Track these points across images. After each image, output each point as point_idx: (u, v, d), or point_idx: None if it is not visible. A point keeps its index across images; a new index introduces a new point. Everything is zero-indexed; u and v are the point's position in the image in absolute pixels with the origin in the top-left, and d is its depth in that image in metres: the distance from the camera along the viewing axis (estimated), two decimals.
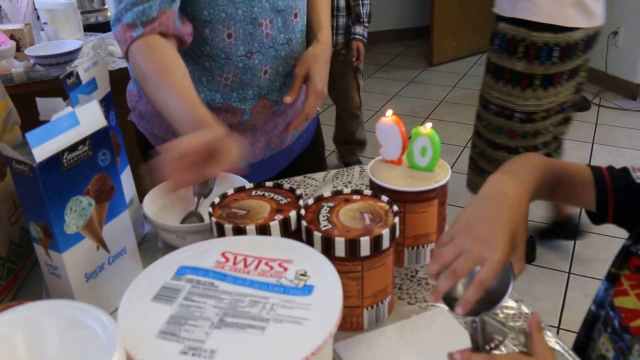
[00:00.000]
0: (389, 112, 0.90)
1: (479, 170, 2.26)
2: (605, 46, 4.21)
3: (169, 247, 0.93)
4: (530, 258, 2.54)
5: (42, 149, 0.71)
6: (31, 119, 0.92)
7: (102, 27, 2.06)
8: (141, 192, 1.03)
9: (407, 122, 3.16)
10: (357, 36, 2.77)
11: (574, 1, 1.91)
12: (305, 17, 1.27)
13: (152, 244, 1.03)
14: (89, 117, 0.78)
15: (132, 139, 1.29)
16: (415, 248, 0.92)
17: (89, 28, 2.02)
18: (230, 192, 0.89)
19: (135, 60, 1.03)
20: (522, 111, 2.05)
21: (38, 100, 0.90)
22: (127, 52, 1.04)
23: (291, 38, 1.22)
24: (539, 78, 1.98)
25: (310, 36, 1.29)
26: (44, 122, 0.73)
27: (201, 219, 0.97)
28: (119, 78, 1.49)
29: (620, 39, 4.13)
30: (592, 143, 3.53)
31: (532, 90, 2.01)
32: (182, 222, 0.97)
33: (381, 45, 5.28)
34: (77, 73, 0.88)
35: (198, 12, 1.10)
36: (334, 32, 2.71)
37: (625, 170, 0.87)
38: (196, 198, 1.00)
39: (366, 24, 2.77)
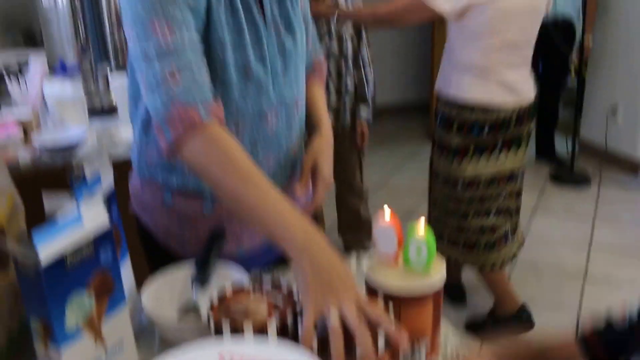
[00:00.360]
0: (387, 210, 0.91)
1: (437, 235, 2.31)
2: (605, 122, 4.29)
3: (166, 341, 0.93)
4: None
5: (47, 250, 0.73)
6: (35, 205, 0.95)
7: (107, 112, 2.11)
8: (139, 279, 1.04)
9: (407, 196, 3.18)
10: (363, 118, 2.82)
11: (499, 82, 2.16)
12: (304, 108, 1.32)
13: (149, 334, 1.03)
14: (94, 218, 0.80)
15: (132, 227, 1.30)
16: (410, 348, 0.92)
17: (93, 112, 2.07)
18: (228, 290, 0.90)
19: (205, 149, 1.00)
20: (464, 180, 2.25)
21: (44, 194, 0.93)
22: (188, 134, 1.00)
23: (292, 129, 1.26)
24: (474, 149, 2.21)
25: (310, 126, 1.34)
26: (49, 215, 0.76)
27: (198, 309, 0.97)
28: (121, 163, 1.53)
29: (619, 115, 4.22)
30: (594, 220, 3.54)
31: (470, 161, 2.22)
32: (180, 311, 0.98)
33: (381, 119, 5.38)
34: (82, 169, 0.91)
35: None
36: (342, 113, 2.76)
37: (610, 324, 0.84)
38: (194, 286, 1.01)
39: (370, 106, 2.83)
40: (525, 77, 2.24)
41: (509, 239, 2.39)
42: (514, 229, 2.44)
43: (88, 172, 0.95)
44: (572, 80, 4.53)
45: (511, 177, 2.28)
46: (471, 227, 2.32)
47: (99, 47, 2.16)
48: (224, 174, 0.98)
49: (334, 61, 2.65)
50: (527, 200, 3.77)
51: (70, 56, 2.20)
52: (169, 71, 1.00)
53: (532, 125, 2.32)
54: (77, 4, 2.11)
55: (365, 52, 2.78)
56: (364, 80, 2.79)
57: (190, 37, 1.03)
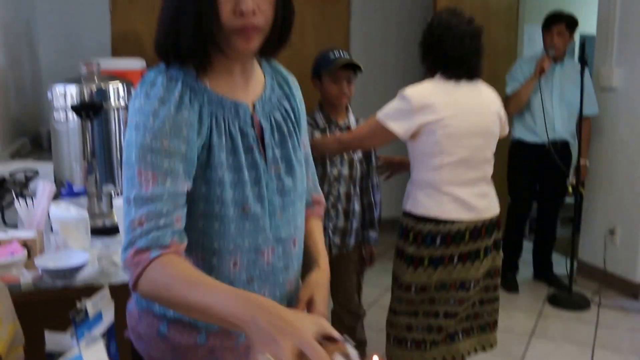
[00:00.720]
0: (375, 358, 0.92)
1: (397, 341, 2.48)
2: (603, 244, 4.30)
3: None
4: None
5: None
6: (35, 328, 0.95)
7: (109, 232, 2.14)
8: None
9: None
10: (372, 241, 2.86)
11: (452, 198, 2.31)
12: (302, 245, 1.35)
13: None
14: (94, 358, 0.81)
15: (127, 353, 1.30)
16: None
17: (96, 231, 2.10)
18: None
19: (155, 276, 1.06)
20: (417, 285, 2.37)
21: (46, 333, 0.94)
22: (140, 275, 1.07)
23: (289, 265, 1.29)
24: (427, 259, 2.34)
25: (308, 260, 1.37)
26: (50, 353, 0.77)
27: None
28: (119, 287, 1.55)
29: (617, 237, 4.24)
30: (593, 347, 3.47)
31: (424, 270, 2.35)
32: None
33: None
34: (85, 309, 0.93)
35: (209, 243, 1.18)
36: (348, 234, 2.77)
37: None
38: None
39: (377, 228, 2.87)
40: (481, 193, 2.38)
41: (456, 339, 2.47)
42: (467, 329, 2.50)
43: (90, 309, 0.97)
44: (569, 200, 4.63)
45: (462, 286, 2.38)
46: (420, 325, 2.41)
47: (105, 167, 2.21)
48: (175, 290, 1.04)
49: (344, 184, 2.71)
50: (524, 323, 3.74)
51: (77, 173, 2.25)
52: (138, 218, 1.08)
53: (490, 241, 2.42)
54: (88, 122, 2.18)
55: (374, 177, 2.85)
56: (373, 204, 2.84)
57: (171, 188, 1.11)
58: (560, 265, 4.44)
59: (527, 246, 4.52)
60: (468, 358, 2.54)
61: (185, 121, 1.13)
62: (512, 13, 5.18)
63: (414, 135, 2.30)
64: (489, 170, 2.43)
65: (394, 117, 2.30)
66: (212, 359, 1.25)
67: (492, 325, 2.55)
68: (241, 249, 1.20)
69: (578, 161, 4.08)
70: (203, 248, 1.19)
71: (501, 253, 2.53)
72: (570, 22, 4.08)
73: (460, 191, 2.32)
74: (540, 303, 4.08)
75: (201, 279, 1.05)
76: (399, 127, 2.29)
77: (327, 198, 2.62)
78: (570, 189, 4.32)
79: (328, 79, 2.61)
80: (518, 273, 4.39)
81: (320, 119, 2.68)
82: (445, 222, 2.31)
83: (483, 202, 2.38)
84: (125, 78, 2.38)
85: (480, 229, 2.36)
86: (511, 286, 4.26)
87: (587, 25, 4.79)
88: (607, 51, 4.27)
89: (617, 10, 4.17)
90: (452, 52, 2.30)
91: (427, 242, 2.33)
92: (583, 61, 3.87)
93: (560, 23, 4.06)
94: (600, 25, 4.35)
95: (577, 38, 5.30)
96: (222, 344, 1.24)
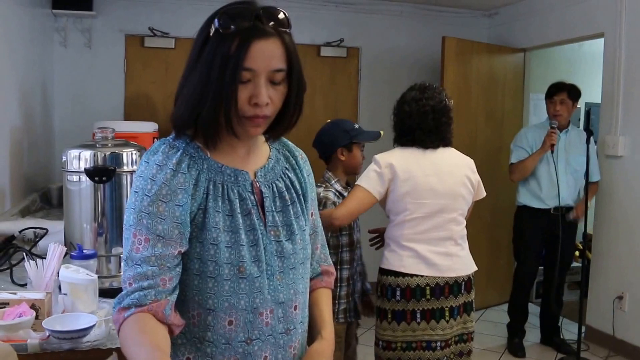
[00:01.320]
0: None
1: None
2: (612, 310, 4.28)
3: None
4: None
5: None
6: None
7: (116, 292, 2.15)
8: None
9: None
10: (368, 290, 2.87)
11: (412, 254, 2.48)
12: (306, 310, 1.37)
13: None
14: None
15: None
16: None
17: (103, 293, 2.11)
18: None
19: (123, 333, 1.15)
20: (382, 339, 2.53)
21: None
22: (119, 331, 1.16)
23: (290, 328, 1.31)
24: (390, 312, 2.51)
25: (313, 330, 1.39)
26: None
27: None
28: None
29: (626, 304, 4.21)
30: None
31: (388, 323, 2.51)
32: None
33: None
34: None
35: (203, 301, 1.22)
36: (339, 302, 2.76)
37: None
38: None
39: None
40: (446, 252, 2.51)
41: None
42: None
43: None
44: (577, 265, 4.61)
45: (428, 346, 2.48)
46: None
47: (115, 229, 2.25)
48: (126, 346, 1.13)
49: (359, 248, 2.79)
50: None
51: (87, 233, 2.28)
52: (128, 279, 1.18)
53: (457, 302, 2.52)
54: (100, 185, 2.22)
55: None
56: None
57: (162, 251, 1.18)
58: (568, 330, 4.39)
59: (536, 310, 4.49)
60: None
61: (181, 185, 1.20)
62: (518, 82, 5.31)
63: (386, 195, 2.51)
64: (458, 230, 2.55)
65: (369, 180, 2.51)
66: None
67: None
68: (236, 308, 1.23)
69: (585, 228, 4.08)
70: (199, 305, 1.23)
71: (473, 316, 2.60)
72: (573, 92, 4.17)
73: (421, 247, 2.48)
74: None
75: (148, 341, 1.11)
76: (374, 189, 2.49)
77: (350, 264, 2.68)
78: (577, 254, 4.31)
79: (358, 148, 2.74)
80: (525, 337, 4.35)
81: (339, 186, 2.72)
82: (404, 275, 2.47)
83: (446, 261, 2.51)
84: (137, 140, 2.44)
85: (442, 288, 2.48)
86: (518, 351, 4.23)
87: (593, 94, 4.87)
88: (611, 120, 4.34)
89: (622, 80, 4.27)
90: (417, 124, 2.52)
91: (389, 295, 2.51)
92: (588, 129, 3.94)
93: (562, 92, 4.16)
94: (605, 95, 4.44)
95: (583, 106, 5.41)
96: None
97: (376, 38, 5.38)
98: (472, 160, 2.65)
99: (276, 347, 1.28)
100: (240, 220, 1.24)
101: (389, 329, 2.50)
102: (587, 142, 3.92)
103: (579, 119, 5.58)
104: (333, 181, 2.72)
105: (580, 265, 4.27)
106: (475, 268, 2.62)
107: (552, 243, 4.23)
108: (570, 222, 4.18)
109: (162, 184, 1.18)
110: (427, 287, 2.46)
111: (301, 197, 1.37)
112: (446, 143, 2.58)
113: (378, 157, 2.55)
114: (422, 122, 2.51)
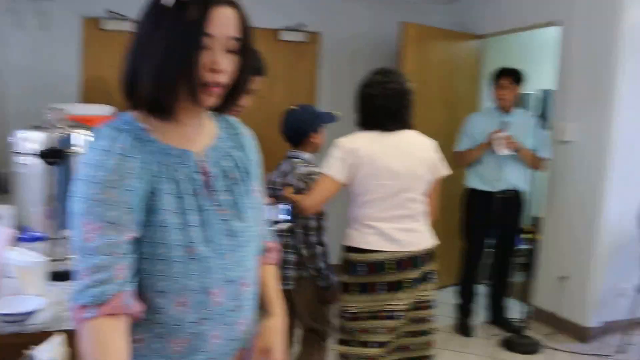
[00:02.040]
0: None
1: None
2: (556, 290, 4.45)
3: None
4: None
5: None
6: None
7: (66, 276, 2.18)
8: None
9: None
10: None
11: (375, 231, 2.60)
12: (255, 286, 1.40)
13: None
14: None
15: None
16: None
17: (51, 276, 2.12)
18: None
19: (85, 339, 1.14)
20: (347, 311, 2.63)
21: None
22: (78, 328, 1.16)
23: (240, 305, 1.33)
24: (355, 285, 2.61)
25: (263, 307, 1.43)
26: None
27: None
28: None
29: (569, 284, 4.39)
30: None
31: (352, 295, 2.62)
32: None
33: None
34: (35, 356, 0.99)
35: (154, 283, 1.22)
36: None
37: None
38: None
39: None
40: (406, 229, 2.63)
41: None
42: None
43: (41, 355, 1.03)
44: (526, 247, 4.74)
45: (390, 315, 2.60)
46: (354, 355, 2.62)
47: (65, 212, 2.26)
48: (88, 356, 1.13)
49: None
50: None
51: (37, 217, 2.28)
52: (82, 270, 1.16)
53: (416, 273, 2.63)
54: (51, 168, 2.21)
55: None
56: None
57: (114, 238, 1.16)
58: (514, 310, 4.56)
59: (485, 291, 4.64)
60: None
61: (129, 170, 1.19)
62: (474, 68, 5.42)
63: (349, 178, 2.60)
64: (418, 208, 2.66)
65: (332, 166, 2.60)
66: None
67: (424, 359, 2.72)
68: (187, 289, 1.23)
69: (533, 210, 4.21)
70: (149, 288, 1.22)
71: (431, 286, 2.71)
72: (516, 76, 4.32)
73: (383, 225, 2.60)
74: (493, 347, 4.18)
75: (110, 355, 1.13)
76: (338, 174, 2.59)
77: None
78: (527, 236, 4.43)
79: (323, 130, 2.91)
80: (473, 317, 4.50)
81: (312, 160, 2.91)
82: (367, 251, 2.59)
83: (407, 237, 2.62)
84: (93, 124, 2.44)
85: (403, 261, 2.60)
86: (466, 330, 4.38)
87: (547, 81, 4.99)
88: (564, 106, 4.47)
89: (575, 68, 4.40)
90: (380, 106, 2.62)
91: (353, 271, 2.62)
92: (543, 115, 4.06)
93: (506, 77, 4.31)
94: (559, 82, 4.57)
95: (537, 93, 5.53)
96: None
97: (336, 23, 5.40)
98: (433, 141, 2.74)
99: (226, 325, 1.30)
100: (189, 201, 1.24)
101: (355, 300, 2.61)
102: (539, 124, 4.06)
103: (527, 103, 5.73)
104: (307, 156, 2.90)
105: (528, 247, 4.40)
106: (435, 242, 2.74)
107: (499, 226, 4.37)
108: (514, 204, 4.32)
109: (111, 170, 1.17)
110: (390, 262, 2.58)
111: (247, 175, 1.40)
112: (407, 126, 2.67)
113: (340, 141, 2.64)
114: (385, 104, 2.60)
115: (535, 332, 4.35)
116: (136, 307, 1.20)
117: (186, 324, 1.25)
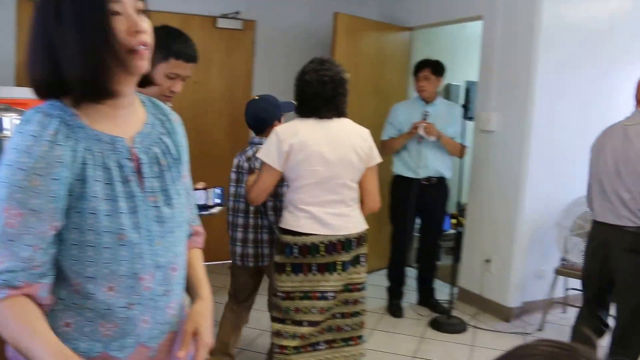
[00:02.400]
0: None
1: (272, 345, 2.84)
2: (480, 272, 4.68)
3: None
4: None
5: None
6: None
7: None
8: None
9: None
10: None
11: (308, 215, 2.69)
12: (184, 271, 1.43)
13: None
14: None
15: None
16: None
17: None
18: None
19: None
20: (282, 290, 2.73)
21: None
22: None
23: (169, 290, 1.35)
24: (289, 265, 2.71)
25: (190, 290, 1.46)
26: None
27: None
28: None
29: (492, 266, 4.62)
30: None
31: (287, 275, 2.71)
32: None
33: None
34: None
35: (82, 269, 1.22)
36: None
37: None
38: None
39: None
40: (338, 213, 2.73)
41: (318, 348, 2.80)
42: (330, 341, 2.82)
43: None
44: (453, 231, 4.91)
45: (322, 296, 2.72)
46: (287, 333, 2.74)
47: None
48: (9, 332, 1.14)
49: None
50: (407, 346, 4.00)
51: None
52: (0, 255, 1.15)
53: (347, 256, 2.74)
54: None
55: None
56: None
57: (35, 227, 1.16)
58: (442, 291, 4.76)
59: (413, 274, 4.84)
60: None
61: (58, 159, 1.16)
62: (404, 59, 5.58)
63: (284, 165, 2.68)
64: (349, 194, 2.77)
65: (270, 155, 2.69)
66: None
67: (356, 339, 2.86)
68: (117, 274, 1.23)
69: (458, 195, 4.40)
70: (78, 275, 1.22)
71: (362, 269, 2.84)
72: (437, 68, 4.50)
73: (315, 209, 2.70)
74: (422, 327, 4.36)
75: (34, 327, 1.14)
76: (276, 162, 2.67)
77: (245, 213, 3.05)
78: (454, 221, 4.62)
79: (283, 119, 3.06)
80: (403, 299, 4.68)
81: None
82: (301, 234, 2.68)
83: (339, 221, 2.73)
84: (26, 107, 2.43)
85: (335, 244, 2.71)
86: (396, 311, 4.55)
87: (473, 73, 5.19)
88: (487, 97, 4.68)
89: (496, 61, 4.60)
90: (316, 93, 2.71)
91: (287, 252, 2.71)
92: (466, 105, 4.25)
93: (426, 69, 4.48)
94: (481, 74, 4.77)
95: (462, 84, 5.73)
96: None
97: (272, 12, 5.46)
98: (366, 130, 2.85)
99: (155, 310, 1.31)
100: (119, 188, 1.24)
101: (288, 280, 2.71)
102: (463, 115, 4.25)
103: (456, 94, 5.94)
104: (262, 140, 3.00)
105: (455, 232, 4.59)
106: (366, 226, 2.84)
107: (425, 211, 4.56)
108: (439, 190, 4.51)
109: (38, 157, 1.15)
110: (322, 244, 2.69)
111: (177, 161, 1.40)
112: (340, 114, 2.77)
113: (278, 129, 2.73)
114: (321, 91, 2.68)
115: (461, 312, 4.57)
116: (47, 300, 1.20)
117: (116, 309, 1.25)
